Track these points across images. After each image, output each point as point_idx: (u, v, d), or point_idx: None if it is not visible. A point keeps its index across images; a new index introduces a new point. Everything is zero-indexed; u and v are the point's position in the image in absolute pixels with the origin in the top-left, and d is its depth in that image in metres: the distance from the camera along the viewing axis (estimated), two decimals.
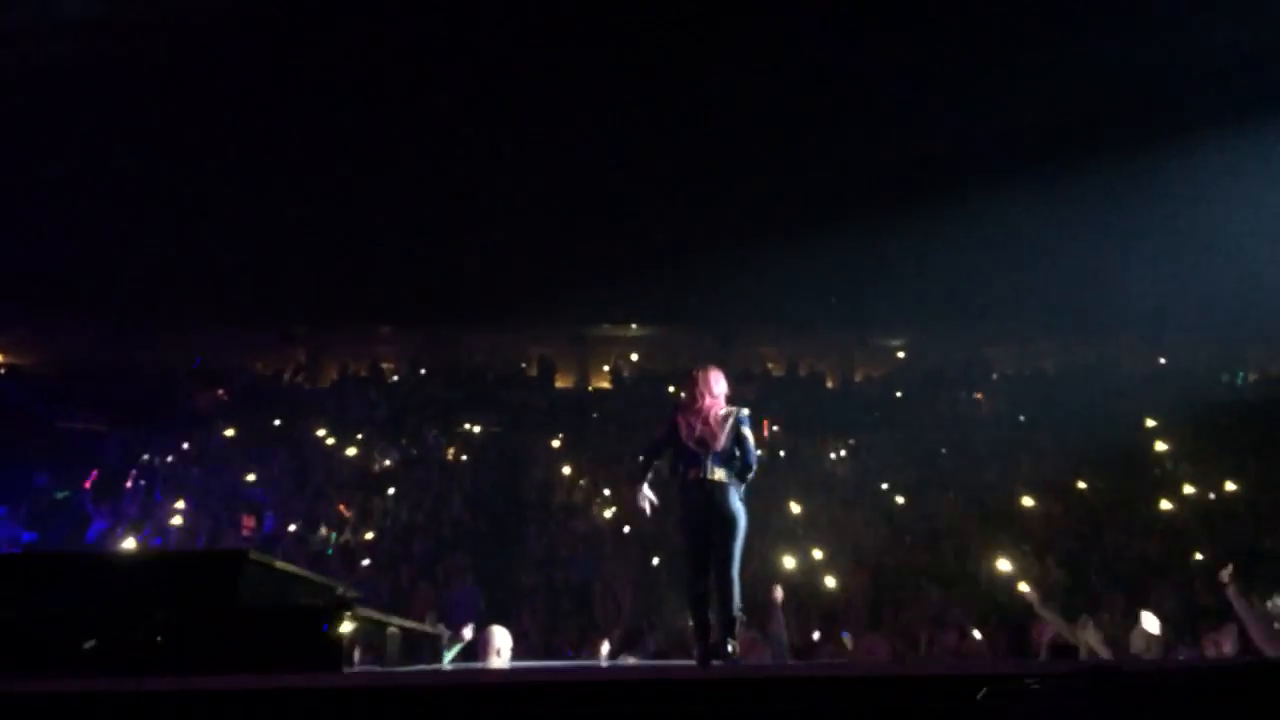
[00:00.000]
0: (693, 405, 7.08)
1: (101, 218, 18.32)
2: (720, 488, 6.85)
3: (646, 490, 7.27)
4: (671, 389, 19.53)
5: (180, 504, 15.17)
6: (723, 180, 18.94)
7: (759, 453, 7.13)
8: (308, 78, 17.16)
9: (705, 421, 6.99)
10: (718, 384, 7.18)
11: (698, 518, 6.91)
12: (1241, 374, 21.18)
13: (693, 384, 7.20)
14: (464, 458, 18.28)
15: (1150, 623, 8.67)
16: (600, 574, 13.99)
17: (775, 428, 18.53)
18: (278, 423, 18.95)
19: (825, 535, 14.84)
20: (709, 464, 6.88)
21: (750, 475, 6.98)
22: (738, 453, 6.93)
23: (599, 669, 7.67)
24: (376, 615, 5.67)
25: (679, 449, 7.01)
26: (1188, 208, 17.60)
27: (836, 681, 3.38)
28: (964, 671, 3.24)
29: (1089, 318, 20.31)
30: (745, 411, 7.11)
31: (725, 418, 7.00)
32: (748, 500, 7.00)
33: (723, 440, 6.92)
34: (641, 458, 7.36)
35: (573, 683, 3.32)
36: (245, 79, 17.26)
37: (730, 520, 6.82)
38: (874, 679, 3.35)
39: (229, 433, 18.45)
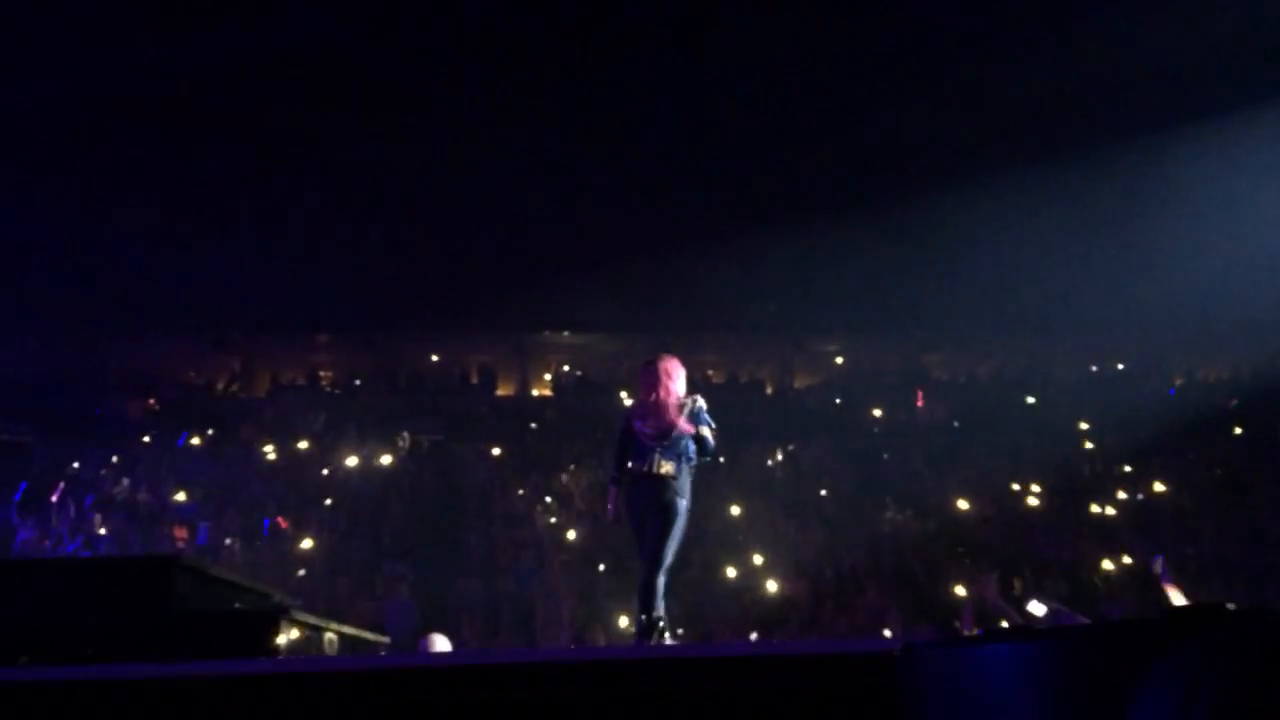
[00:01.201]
0: (648, 399, 6.83)
1: (27, 224, 17.87)
2: (664, 482, 6.59)
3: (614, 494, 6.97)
4: (625, 394, 19.63)
5: (110, 516, 14.84)
6: (662, 188, 18.97)
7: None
8: (238, 77, 16.84)
9: (661, 412, 6.75)
10: (676, 375, 6.90)
11: (639, 513, 6.69)
12: (1173, 388, 21.71)
13: (649, 374, 6.91)
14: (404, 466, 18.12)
15: (1036, 607, 8.94)
16: (542, 582, 13.94)
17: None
18: (211, 432, 18.64)
19: (764, 541, 14.92)
20: (656, 457, 6.63)
21: (709, 459, 6.84)
22: (693, 446, 6.72)
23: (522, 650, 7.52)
24: (313, 620, 5.58)
25: (635, 444, 6.77)
26: (1120, 216, 17.98)
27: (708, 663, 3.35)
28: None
29: (1022, 324, 20.67)
30: (701, 402, 6.88)
31: (681, 407, 6.76)
32: (692, 503, 6.78)
33: (680, 429, 6.67)
34: (613, 464, 7.05)
35: (492, 666, 3.30)
36: (173, 87, 16.92)
37: (668, 515, 6.55)
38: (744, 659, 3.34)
39: (161, 443, 18.09)
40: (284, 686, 3.18)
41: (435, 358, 22.62)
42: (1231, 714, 1.43)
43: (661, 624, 6.47)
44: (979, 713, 1.97)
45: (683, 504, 6.63)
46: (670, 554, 6.55)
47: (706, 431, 6.78)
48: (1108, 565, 13.82)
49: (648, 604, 6.46)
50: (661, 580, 6.51)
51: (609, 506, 7.01)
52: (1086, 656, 1.74)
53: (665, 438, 6.70)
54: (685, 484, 6.67)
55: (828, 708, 2.95)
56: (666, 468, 6.63)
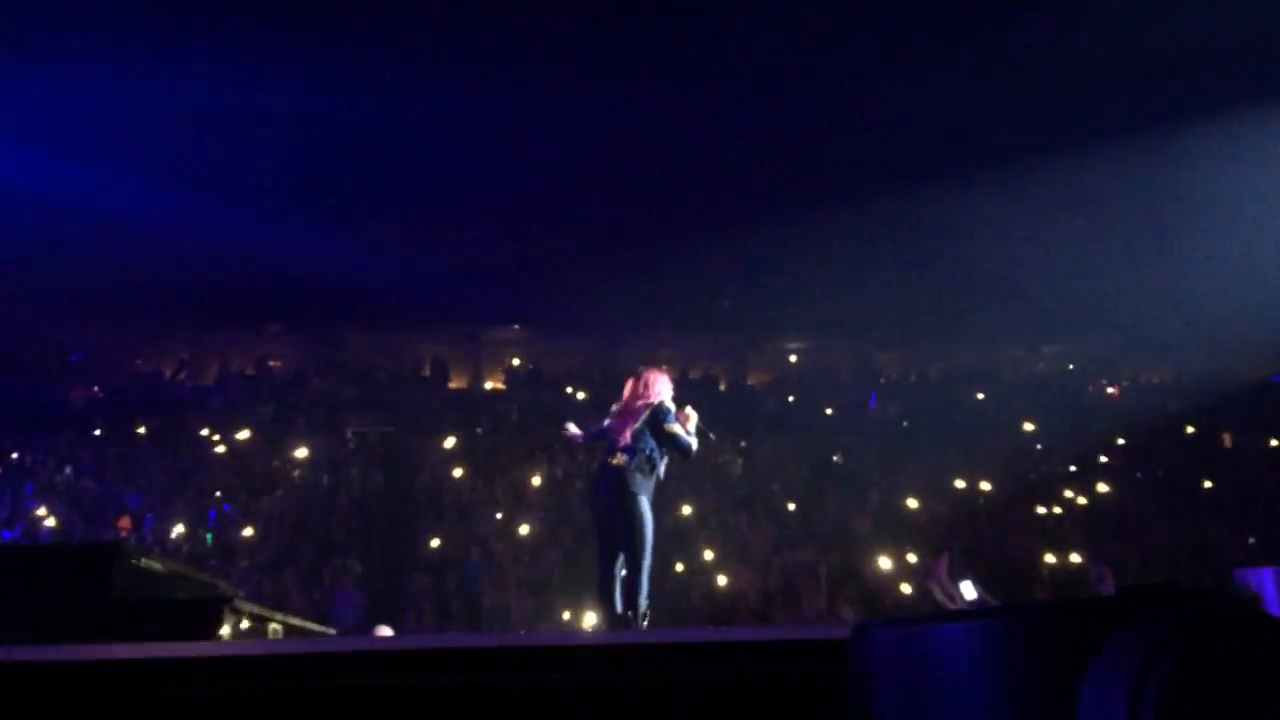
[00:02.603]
0: (622, 399, 7.31)
1: None
2: (618, 473, 6.92)
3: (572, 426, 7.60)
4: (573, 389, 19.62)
5: (52, 505, 14.57)
6: (615, 182, 18.90)
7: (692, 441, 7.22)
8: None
9: (625, 411, 7.17)
10: (655, 384, 7.28)
11: (600, 506, 7.05)
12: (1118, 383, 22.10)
13: (630, 381, 7.40)
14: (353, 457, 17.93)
15: (968, 589, 9.13)
16: (491, 577, 13.88)
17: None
18: (157, 421, 18.32)
19: (716, 536, 14.97)
20: (617, 450, 7.01)
21: (685, 458, 7.28)
22: (652, 443, 7.03)
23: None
24: (258, 610, 5.51)
25: (607, 441, 7.22)
26: (1070, 218, 18.19)
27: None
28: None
29: (972, 323, 20.89)
30: (666, 404, 7.20)
31: (643, 408, 7.13)
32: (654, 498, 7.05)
33: (634, 427, 7.04)
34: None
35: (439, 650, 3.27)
36: None
37: (628, 517, 6.82)
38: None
39: (105, 431, 17.78)
40: (223, 669, 3.13)
41: (386, 349, 22.40)
42: (1182, 691, 1.44)
43: (645, 620, 6.75)
44: (931, 691, 1.98)
45: (641, 500, 6.89)
46: (645, 553, 6.81)
47: (676, 428, 7.10)
48: (1050, 560, 14.06)
49: (630, 596, 6.75)
50: (644, 579, 6.80)
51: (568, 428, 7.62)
52: (1039, 635, 1.75)
53: (619, 433, 7.09)
54: (640, 480, 6.93)
55: (785, 692, 2.96)
56: (619, 459, 6.97)
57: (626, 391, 7.35)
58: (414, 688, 3.07)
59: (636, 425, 7.06)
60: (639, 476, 6.91)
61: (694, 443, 7.21)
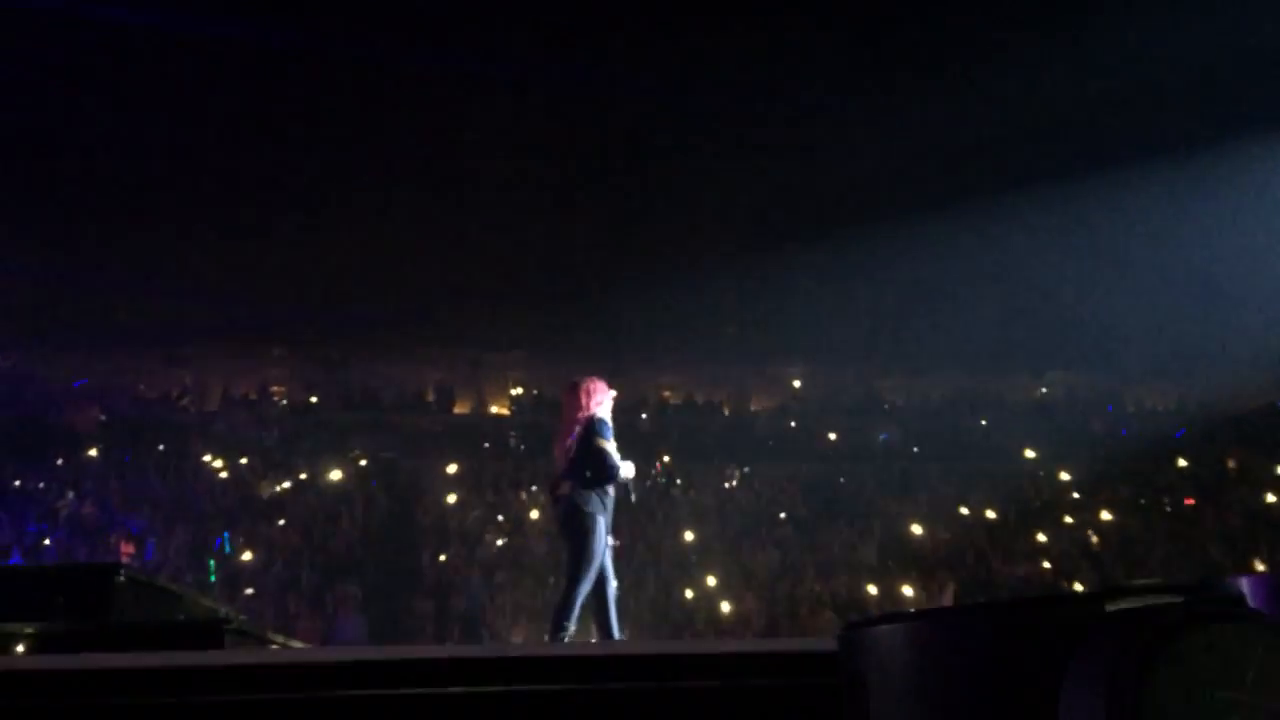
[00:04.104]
0: (561, 424, 6.78)
1: None
2: (566, 503, 6.49)
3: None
4: None
5: (54, 530, 14.58)
6: (622, 210, 18.97)
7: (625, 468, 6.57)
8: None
9: (566, 435, 6.65)
10: (595, 394, 6.70)
11: (563, 536, 6.66)
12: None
13: (565, 399, 6.87)
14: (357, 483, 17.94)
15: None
16: (492, 601, 13.87)
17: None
18: (161, 447, 18.33)
19: (720, 562, 14.94)
20: (564, 480, 6.58)
21: (608, 482, 6.49)
22: (589, 466, 6.47)
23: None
24: (258, 632, 5.50)
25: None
26: (1074, 244, 18.23)
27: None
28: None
29: (974, 350, 20.86)
30: (600, 416, 6.62)
31: (574, 427, 6.60)
32: (621, 521, 6.76)
33: (574, 451, 6.53)
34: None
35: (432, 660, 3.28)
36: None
37: (572, 536, 6.44)
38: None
39: (107, 456, 17.79)
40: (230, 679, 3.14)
41: (390, 375, 22.45)
42: (1159, 685, 1.46)
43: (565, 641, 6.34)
44: (919, 684, 1.99)
45: (591, 518, 6.40)
46: (583, 573, 6.34)
47: (607, 445, 6.51)
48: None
49: (556, 622, 6.38)
50: (577, 599, 6.35)
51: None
52: (1023, 627, 1.77)
53: (560, 459, 6.65)
54: (592, 498, 6.43)
55: (777, 703, 2.97)
56: (563, 487, 6.55)
57: (564, 406, 6.80)
58: (412, 698, 3.08)
59: (573, 447, 6.53)
60: (591, 495, 6.42)
61: (623, 469, 6.50)
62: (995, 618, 1.89)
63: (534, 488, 16.97)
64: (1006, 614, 1.89)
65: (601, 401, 6.69)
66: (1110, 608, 1.61)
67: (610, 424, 6.65)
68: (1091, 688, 1.51)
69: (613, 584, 6.65)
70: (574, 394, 6.74)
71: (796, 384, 23.80)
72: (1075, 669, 1.57)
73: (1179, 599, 1.64)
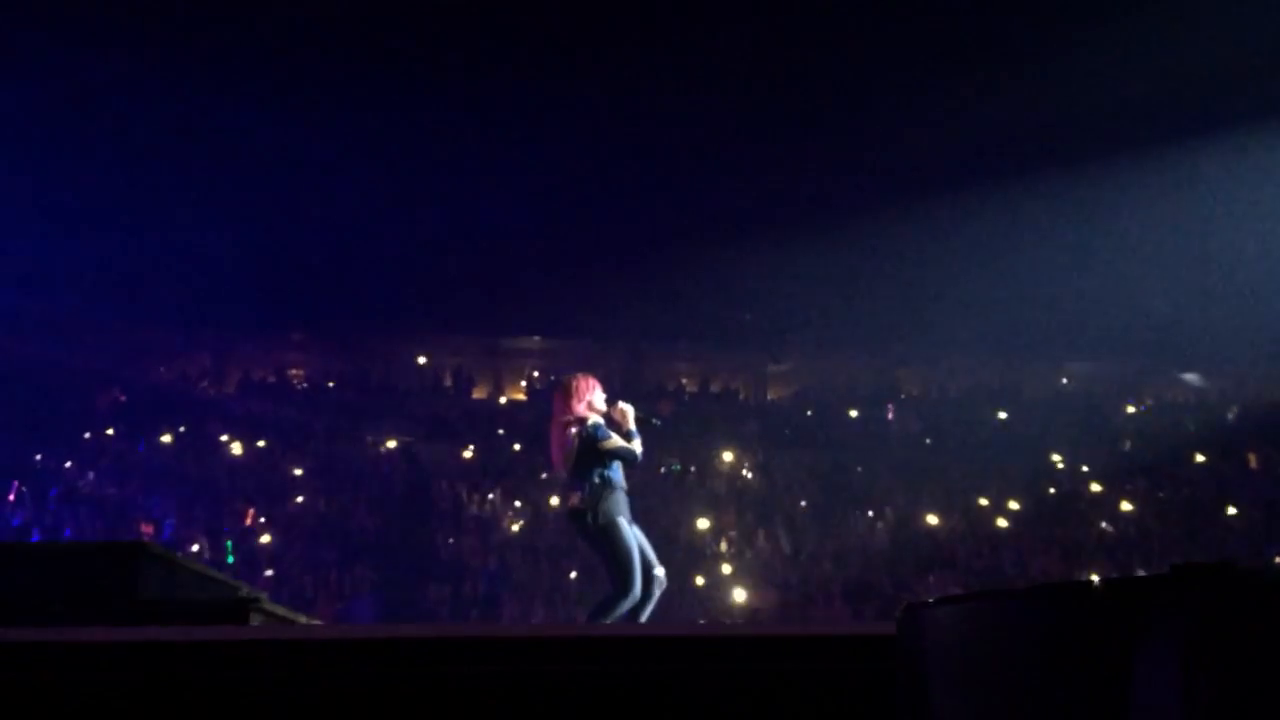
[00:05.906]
0: (550, 424, 6.62)
1: None
2: (579, 514, 6.30)
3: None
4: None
5: (74, 510, 14.67)
6: (638, 195, 18.93)
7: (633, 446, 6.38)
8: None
9: (557, 437, 6.51)
10: (578, 395, 6.52)
11: (590, 550, 6.55)
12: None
13: (556, 395, 6.66)
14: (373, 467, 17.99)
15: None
16: (509, 586, 13.90)
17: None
18: (180, 428, 18.41)
19: (734, 550, 14.93)
20: (573, 491, 6.41)
21: (631, 465, 6.38)
22: (598, 468, 6.29)
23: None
24: (283, 612, 5.53)
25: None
26: (1094, 235, 18.12)
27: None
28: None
29: (993, 339, 20.76)
30: (591, 420, 6.44)
31: (572, 434, 6.42)
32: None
33: (570, 458, 6.38)
34: None
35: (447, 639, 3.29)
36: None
37: (601, 549, 6.29)
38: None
39: (128, 437, 17.88)
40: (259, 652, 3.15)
41: (408, 359, 22.52)
42: (1235, 666, 1.44)
43: None
44: (979, 668, 1.98)
45: (614, 522, 6.21)
46: (629, 582, 6.12)
47: (613, 443, 6.36)
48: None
49: (591, 618, 6.30)
50: (619, 608, 6.13)
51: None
52: (1089, 610, 1.75)
53: (559, 466, 6.54)
54: (605, 505, 6.23)
55: (830, 688, 2.96)
56: (574, 499, 6.39)
57: (554, 408, 6.59)
58: (424, 676, 3.09)
59: (572, 458, 6.37)
60: (602, 503, 6.21)
61: (637, 447, 6.35)
62: (1062, 598, 1.87)
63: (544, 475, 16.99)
64: (1073, 594, 1.87)
65: (590, 401, 6.52)
66: (1180, 589, 1.59)
67: (603, 421, 6.49)
68: (1163, 671, 1.49)
69: (659, 571, 6.36)
70: (561, 394, 6.60)
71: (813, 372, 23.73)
72: (1145, 652, 1.55)
73: (1248, 580, 1.61)
